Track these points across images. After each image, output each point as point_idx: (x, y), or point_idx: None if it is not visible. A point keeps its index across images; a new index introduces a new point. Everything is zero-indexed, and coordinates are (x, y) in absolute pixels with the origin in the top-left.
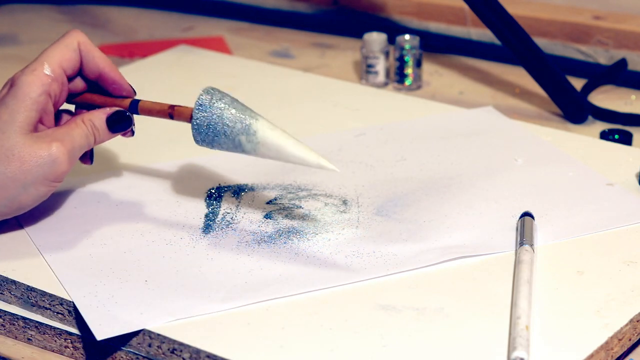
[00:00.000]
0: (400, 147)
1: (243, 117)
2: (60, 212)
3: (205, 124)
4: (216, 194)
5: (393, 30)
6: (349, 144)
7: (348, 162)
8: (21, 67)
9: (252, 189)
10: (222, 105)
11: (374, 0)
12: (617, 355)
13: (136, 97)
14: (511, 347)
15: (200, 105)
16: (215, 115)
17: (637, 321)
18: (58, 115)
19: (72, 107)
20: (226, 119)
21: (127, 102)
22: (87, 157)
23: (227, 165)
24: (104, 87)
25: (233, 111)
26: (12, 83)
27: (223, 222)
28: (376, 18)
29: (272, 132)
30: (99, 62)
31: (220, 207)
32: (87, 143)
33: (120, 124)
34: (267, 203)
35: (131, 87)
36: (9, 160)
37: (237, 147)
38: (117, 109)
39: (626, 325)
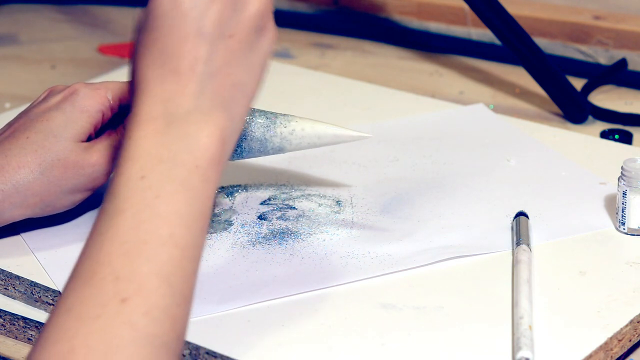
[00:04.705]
0: (392, 147)
1: (271, 121)
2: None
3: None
4: None
5: (393, 30)
6: (341, 145)
7: (341, 163)
8: (21, 67)
9: (245, 189)
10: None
11: (374, 0)
12: (617, 356)
13: None
14: (516, 347)
15: None
16: (246, 132)
17: (638, 322)
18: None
19: None
20: (256, 131)
21: None
22: None
23: None
24: None
25: (260, 120)
26: (70, 92)
27: (217, 224)
28: (376, 18)
29: (306, 124)
30: None
31: (214, 208)
32: None
33: None
34: (261, 204)
35: None
36: (53, 166)
37: (275, 151)
38: None
39: (626, 326)
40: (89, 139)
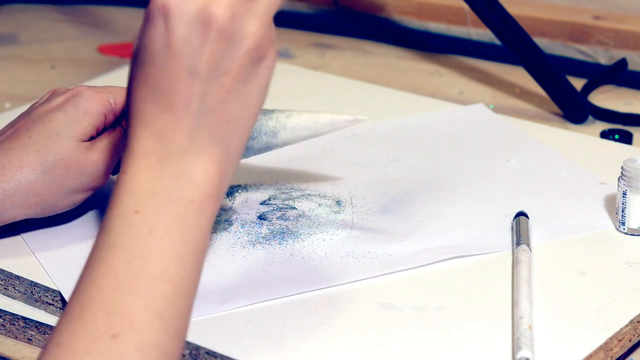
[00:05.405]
0: (392, 147)
1: (269, 111)
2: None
3: None
4: None
5: (393, 30)
6: (341, 145)
7: (341, 163)
8: (21, 67)
9: (245, 189)
10: None
11: (374, 0)
12: (617, 356)
13: None
14: (516, 347)
15: None
16: None
17: (638, 322)
18: None
19: None
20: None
21: None
22: None
23: None
24: None
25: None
26: (73, 93)
27: (217, 224)
28: (376, 18)
29: (298, 117)
30: None
31: None
32: None
33: None
34: (261, 204)
35: None
36: (55, 165)
37: (268, 136)
38: None
39: (626, 326)
40: (90, 140)
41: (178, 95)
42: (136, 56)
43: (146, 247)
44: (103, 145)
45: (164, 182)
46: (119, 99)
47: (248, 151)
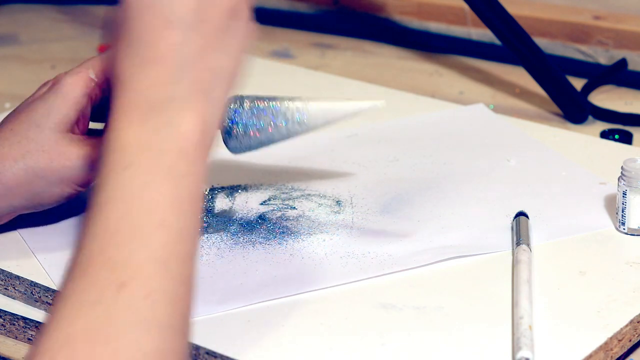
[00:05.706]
0: (392, 147)
1: (280, 105)
2: (53, 213)
3: (243, 132)
4: (209, 195)
5: (393, 30)
6: (341, 145)
7: (341, 163)
8: (21, 67)
9: (245, 189)
10: (251, 104)
11: (374, 0)
12: (617, 356)
13: None
14: (516, 347)
15: (235, 112)
16: (252, 118)
17: (638, 322)
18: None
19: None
20: (261, 117)
21: None
22: None
23: (220, 166)
24: None
25: (263, 103)
26: (54, 82)
27: (217, 224)
28: (376, 18)
29: (315, 103)
30: None
31: (213, 208)
32: None
33: None
34: (261, 204)
35: None
36: (38, 155)
37: (283, 136)
38: None
39: (626, 326)
40: (87, 127)
41: (159, 45)
42: (117, 18)
43: (142, 200)
44: (91, 142)
45: (153, 135)
46: (99, 69)
47: (269, 140)
